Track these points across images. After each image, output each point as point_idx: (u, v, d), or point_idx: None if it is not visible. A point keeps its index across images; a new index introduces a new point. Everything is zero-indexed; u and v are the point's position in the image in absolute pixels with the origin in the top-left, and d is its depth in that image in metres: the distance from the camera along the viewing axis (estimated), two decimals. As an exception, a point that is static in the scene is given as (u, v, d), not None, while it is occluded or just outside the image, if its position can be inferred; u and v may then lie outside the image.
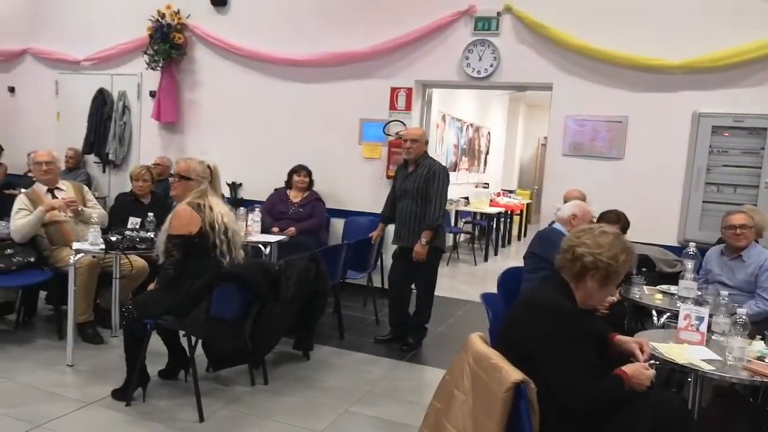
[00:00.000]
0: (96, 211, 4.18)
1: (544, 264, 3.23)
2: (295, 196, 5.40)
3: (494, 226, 8.62)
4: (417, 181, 4.16)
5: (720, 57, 4.51)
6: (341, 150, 5.80)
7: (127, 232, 3.47)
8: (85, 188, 4.35)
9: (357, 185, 5.77)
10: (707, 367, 2.05)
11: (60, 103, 7.05)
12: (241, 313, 3.08)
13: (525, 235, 10.96)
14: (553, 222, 4.80)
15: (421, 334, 4.27)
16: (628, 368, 1.86)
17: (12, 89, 7.37)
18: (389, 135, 5.60)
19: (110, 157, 6.65)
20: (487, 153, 10.70)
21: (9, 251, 3.86)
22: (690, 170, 4.68)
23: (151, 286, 3.12)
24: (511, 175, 13.07)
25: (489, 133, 10.67)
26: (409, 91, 5.55)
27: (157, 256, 3.07)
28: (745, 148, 4.53)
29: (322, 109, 5.85)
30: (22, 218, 3.89)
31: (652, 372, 1.86)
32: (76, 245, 3.55)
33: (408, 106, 5.58)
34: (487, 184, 10.14)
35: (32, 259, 3.92)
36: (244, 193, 6.22)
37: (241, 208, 4.70)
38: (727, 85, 4.56)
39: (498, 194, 9.81)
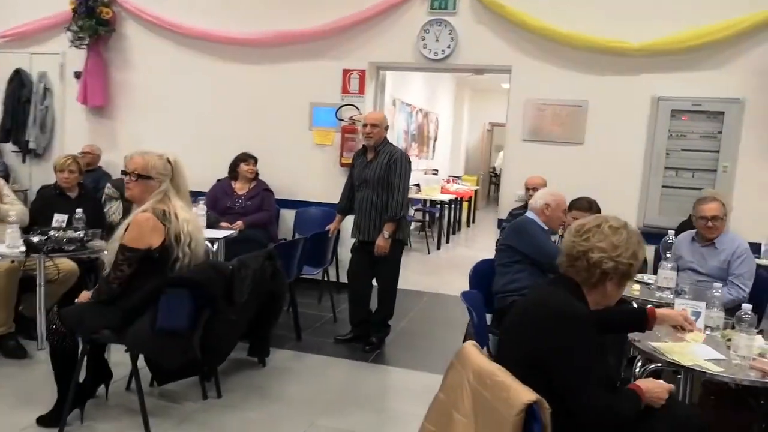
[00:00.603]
0: (14, 208, 3.67)
1: (520, 257, 3.05)
2: (241, 188, 5.00)
3: (445, 213, 8.47)
4: (377, 169, 3.89)
5: (679, 39, 4.46)
6: (290, 136, 5.44)
7: (52, 232, 3.02)
8: (1, 181, 3.82)
9: (308, 174, 5.43)
10: (716, 369, 1.91)
11: (-30, 85, 6.29)
12: (191, 322, 2.72)
13: (474, 221, 10.91)
14: (522, 208, 4.68)
15: (384, 332, 4.03)
16: (643, 383, 1.69)
17: None
18: (342, 120, 5.28)
19: (30, 145, 5.99)
20: (436, 139, 10.54)
21: None
22: (649, 155, 4.63)
23: (84, 297, 2.70)
24: (458, 161, 13.01)
25: (437, 118, 10.50)
26: (362, 73, 5.25)
27: (103, 266, 2.63)
28: (704, 131, 4.51)
29: (268, 92, 5.46)
30: (-77, 218, 3.36)
31: (670, 386, 1.69)
32: (-11, 248, 3.07)
33: (361, 90, 5.27)
34: (437, 170, 10.00)
35: (-62, 265, 3.39)
36: (185, 184, 5.74)
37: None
38: (685, 68, 4.52)
39: (447, 181, 9.67)
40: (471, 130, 13.91)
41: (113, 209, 4.33)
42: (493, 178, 14.63)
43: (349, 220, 4.22)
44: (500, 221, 4.96)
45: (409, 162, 3.99)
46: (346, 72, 5.28)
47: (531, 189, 4.61)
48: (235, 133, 5.48)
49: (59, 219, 3.46)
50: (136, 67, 5.83)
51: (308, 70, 5.35)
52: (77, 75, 5.91)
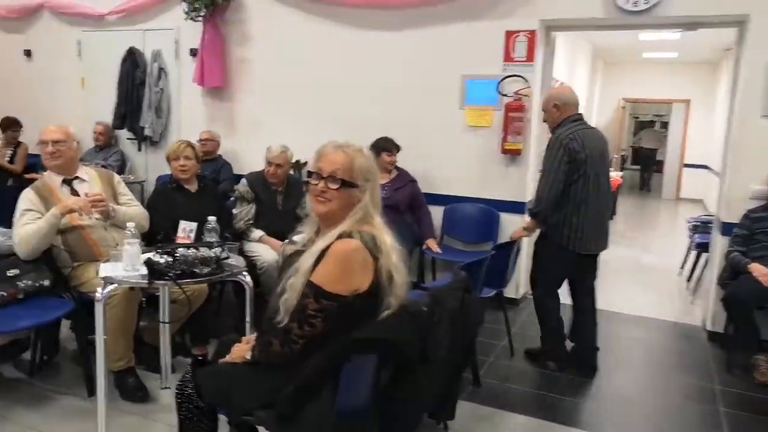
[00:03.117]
0: (131, 210, 2.99)
1: None
2: (381, 178, 4.13)
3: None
4: None
5: None
6: (436, 117, 4.48)
7: (181, 250, 2.25)
8: (116, 177, 3.14)
9: (459, 163, 4.45)
10: None
11: (84, 67, 5.87)
12: (374, 396, 1.83)
13: (615, 213, 9.47)
14: (765, 209, 3.48)
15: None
16: None
17: (28, 53, 6.21)
18: (505, 95, 4.24)
19: (146, 131, 5.46)
20: (573, 117, 9.19)
21: (12, 272, 2.70)
22: None
23: (239, 353, 1.88)
24: (588, 142, 11.52)
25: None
26: (531, 35, 4.16)
27: (273, 317, 1.76)
28: None
29: (410, 64, 4.51)
30: (29, 223, 2.72)
31: None
32: (104, 269, 2.34)
33: (530, 56, 4.18)
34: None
35: (46, 283, 2.76)
36: (311, 174, 4.96)
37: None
38: None
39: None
40: (602, 108, 12.35)
41: (243, 213, 3.58)
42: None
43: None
44: (724, 225, 3.74)
45: (563, 145, 3.03)
46: (510, 34, 4.21)
47: (782, 184, 3.39)
48: (369, 115, 4.60)
49: (186, 228, 2.72)
50: (257, 42, 5.09)
51: (461, 35, 4.34)
52: (193, 53, 5.28)
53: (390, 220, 4.05)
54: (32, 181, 3.06)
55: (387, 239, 1.76)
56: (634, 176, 13.50)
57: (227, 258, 2.40)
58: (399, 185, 4.15)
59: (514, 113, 4.19)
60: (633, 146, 15.21)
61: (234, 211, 3.55)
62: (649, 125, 15.47)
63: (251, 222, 3.60)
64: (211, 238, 2.50)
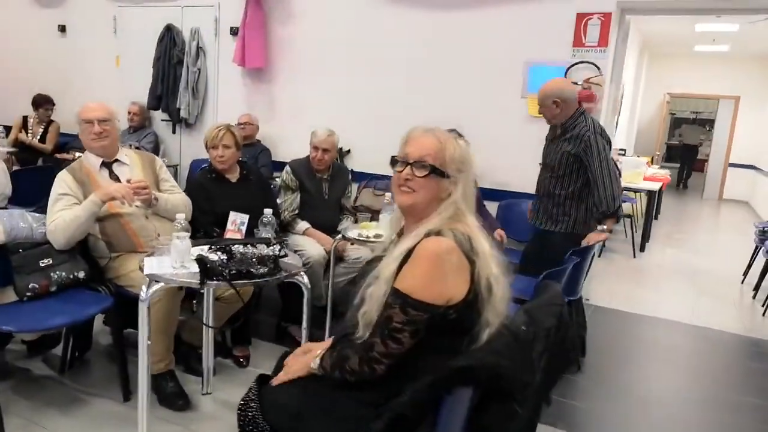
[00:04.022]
0: (175, 198, 2.73)
1: None
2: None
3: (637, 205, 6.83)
4: (558, 153, 3.10)
5: None
6: (495, 106, 4.15)
7: (237, 247, 1.97)
8: (158, 161, 2.87)
9: (518, 156, 4.12)
10: None
11: (119, 44, 5.64)
12: (469, 426, 1.55)
13: (659, 213, 9.03)
14: None
15: None
16: None
17: (63, 28, 6.00)
18: (574, 83, 3.88)
19: (182, 113, 5.21)
20: (619, 112, 8.76)
21: (45, 262, 2.45)
22: None
23: (302, 366, 1.60)
24: (630, 138, 11.05)
25: (624, 86, 8.70)
26: (606, 17, 3.80)
27: (350, 333, 1.51)
28: None
29: (468, 47, 4.19)
30: (65, 209, 2.47)
31: None
32: (149, 265, 2.07)
33: (603, 41, 3.83)
34: (624, 150, 8.28)
35: (81, 275, 2.51)
36: (353, 163, 4.67)
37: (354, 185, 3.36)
38: None
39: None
40: (645, 102, 11.84)
41: (288, 203, 3.30)
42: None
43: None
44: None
45: (603, 137, 3.01)
46: (582, 17, 3.86)
47: None
48: (421, 102, 4.30)
49: (237, 221, 2.44)
50: (301, 20, 4.79)
51: (526, 17, 4.00)
52: (233, 31, 5.01)
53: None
54: (63, 160, 2.82)
55: (485, 243, 1.48)
56: (670, 174, 13.00)
57: (285, 256, 2.12)
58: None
59: (584, 103, 3.83)
60: (668, 143, 14.72)
61: (278, 200, 3.28)
62: (689, 122, 14.95)
63: (296, 213, 3.33)
64: (267, 233, 2.22)
